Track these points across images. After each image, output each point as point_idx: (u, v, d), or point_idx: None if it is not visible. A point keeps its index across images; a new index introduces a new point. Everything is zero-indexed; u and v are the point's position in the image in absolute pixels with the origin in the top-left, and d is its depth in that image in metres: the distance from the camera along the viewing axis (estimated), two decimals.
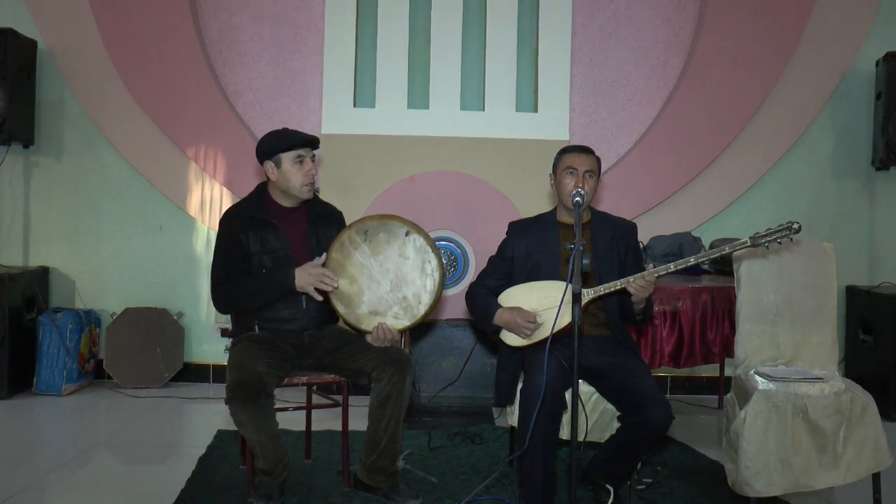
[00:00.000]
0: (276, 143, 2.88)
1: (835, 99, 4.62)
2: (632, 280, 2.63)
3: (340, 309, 2.82)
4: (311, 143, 2.94)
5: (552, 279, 2.81)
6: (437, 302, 2.84)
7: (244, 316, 2.93)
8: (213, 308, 4.57)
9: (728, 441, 2.79)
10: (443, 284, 2.83)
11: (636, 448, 2.64)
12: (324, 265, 2.80)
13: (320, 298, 2.81)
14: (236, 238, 2.88)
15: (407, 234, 2.82)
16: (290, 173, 2.88)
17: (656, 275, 2.63)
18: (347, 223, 2.95)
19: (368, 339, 2.85)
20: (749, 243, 2.60)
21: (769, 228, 2.60)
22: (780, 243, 2.61)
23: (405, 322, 2.83)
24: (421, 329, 4.22)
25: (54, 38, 4.60)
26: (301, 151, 2.89)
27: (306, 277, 2.78)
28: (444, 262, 4.47)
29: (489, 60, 4.56)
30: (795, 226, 2.57)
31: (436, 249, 2.82)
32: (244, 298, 2.88)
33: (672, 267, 2.64)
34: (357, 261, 2.80)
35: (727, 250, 2.64)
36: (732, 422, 2.76)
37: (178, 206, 4.65)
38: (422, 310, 2.82)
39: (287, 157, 2.87)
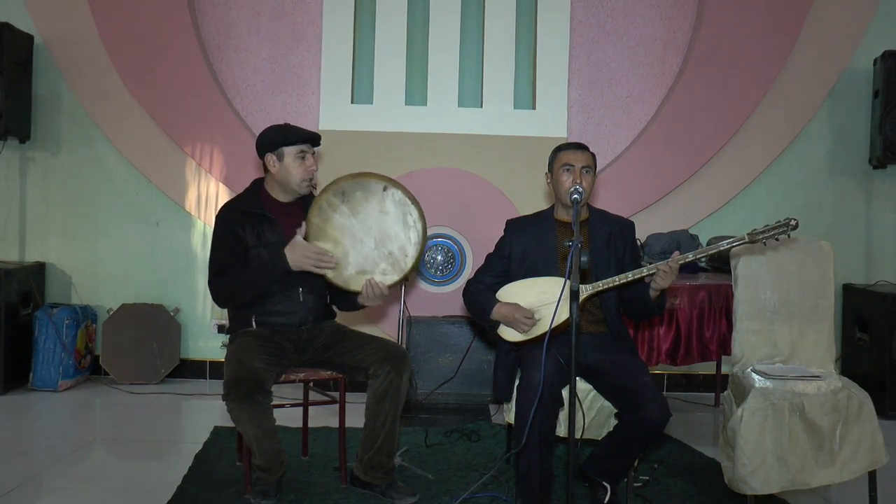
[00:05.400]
0: (279, 136, 2.89)
1: (832, 97, 4.63)
2: (646, 270, 2.63)
3: (328, 273, 2.79)
4: (314, 139, 2.94)
5: (550, 276, 2.81)
6: (423, 252, 2.84)
7: (241, 311, 2.93)
8: (210, 304, 4.62)
9: (725, 439, 2.79)
10: (426, 234, 2.82)
11: (633, 445, 2.64)
12: (305, 235, 2.77)
13: (324, 272, 2.77)
14: (233, 232, 2.87)
15: (384, 189, 2.81)
16: (292, 168, 2.88)
17: (681, 262, 2.62)
18: None
19: (360, 299, 2.83)
20: (746, 239, 2.61)
21: (767, 225, 2.60)
22: (777, 240, 2.62)
23: (394, 277, 2.82)
24: (418, 326, 4.23)
25: (51, 33, 4.58)
26: (304, 147, 2.90)
27: (301, 259, 2.76)
28: (442, 258, 4.47)
29: (487, 57, 4.55)
30: (793, 222, 2.57)
31: (415, 201, 2.82)
32: (241, 287, 2.86)
33: (691, 256, 2.64)
34: (338, 223, 2.79)
35: (725, 246, 2.64)
36: (729, 419, 2.76)
37: (175, 202, 4.64)
38: (409, 263, 2.81)
39: (290, 152, 2.87)
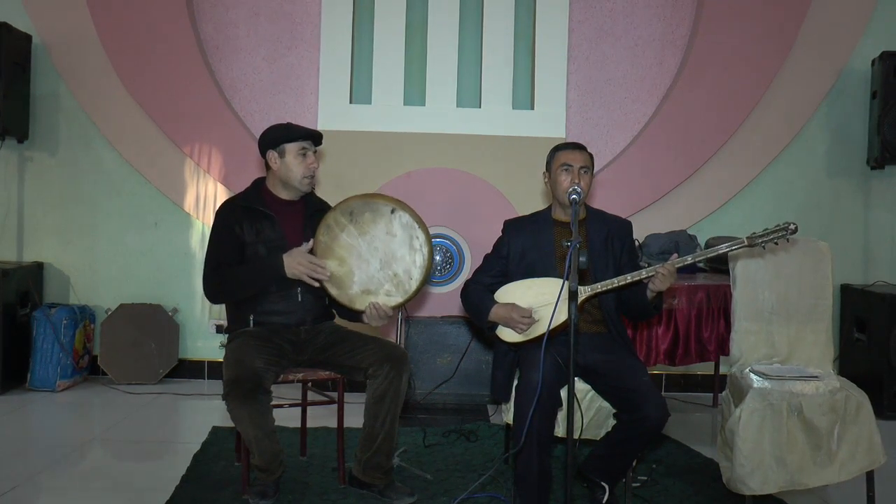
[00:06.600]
0: (281, 133, 2.92)
1: (830, 98, 4.64)
2: (644, 273, 2.63)
3: (333, 291, 2.81)
4: (315, 137, 2.97)
5: (548, 277, 2.81)
6: (428, 276, 2.85)
7: (239, 310, 2.93)
8: (208, 304, 4.61)
9: (723, 439, 2.79)
10: (432, 258, 2.83)
11: (631, 445, 2.64)
12: (311, 250, 2.80)
13: (316, 285, 2.81)
14: (230, 228, 2.89)
15: (392, 211, 2.82)
16: (293, 164, 2.90)
17: (679, 265, 2.63)
18: None
19: (364, 318, 2.85)
20: (746, 243, 2.61)
21: (766, 229, 2.61)
22: (776, 244, 2.62)
23: (398, 299, 2.82)
24: (417, 326, 4.23)
25: (49, 33, 4.58)
26: (305, 144, 2.92)
27: (297, 266, 2.78)
28: (440, 259, 4.47)
29: (486, 57, 4.56)
30: (792, 226, 2.58)
31: (422, 224, 2.82)
32: (234, 286, 2.87)
33: (689, 259, 2.65)
34: (345, 242, 2.80)
35: (724, 249, 2.64)
36: (728, 420, 2.76)
37: (174, 202, 4.63)
38: (413, 285, 2.82)
39: (291, 149, 2.90)
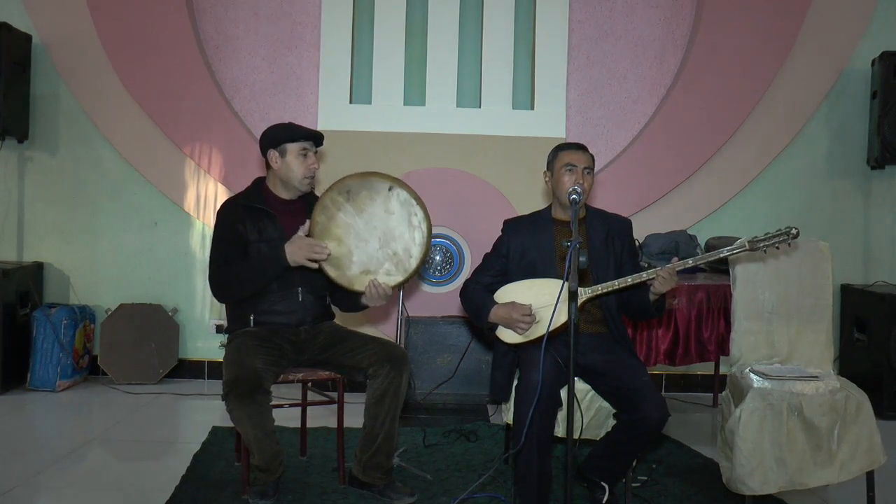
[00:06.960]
0: (283, 133, 2.92)
1: (831, 98, 4.64)
2: (645, 276, 2.64)
3: (331, 272, 2.77)
4: (317, 138, 2.97)
5: (548, 276, 2.81)
6: (428, 254, 2.83)
7: (240, 310, 2.93)
8: (209, 304, 4.62)
9: (723, 439, 2.79)
10: (431, 235, 2.81)
11: (631, 446, 2.64)
12: (309, 233, 2.77)
13: (315, 266, 2.77)
14: (234, 227, 2.89)
15: (390, 189, 2.80)
16: (294, 164, 2.90)
17: (680, 268, 2.63)
18: None
19: (363, 300, 2.83)
20: (747, 247, 2.61)
21: (768, 233, 2.62)
22: (777, 248, 2.63)
23: (398, 278, 2.80)
24: (417, 326, 4.23)
25: (49, 33, 4.58)
26: (306, 144, 2.92)
27: (297, 251, 2.75)
28: (440, 259, 4.47)
29: (486, 57, 4.56)
30: (794, 231, 2.59)
31: (420, 201, 2.80)
32: (241, 281, 2.86)
33: (691, 262, 2.65)
34: (342, 221, 2.77)
35: (725, 253, 2.64)
36: (727, 420, 2.76)
37: (174, 202, 4.63)
38: (413, 263, 2.80)
39: (292, 149, 2.90)
